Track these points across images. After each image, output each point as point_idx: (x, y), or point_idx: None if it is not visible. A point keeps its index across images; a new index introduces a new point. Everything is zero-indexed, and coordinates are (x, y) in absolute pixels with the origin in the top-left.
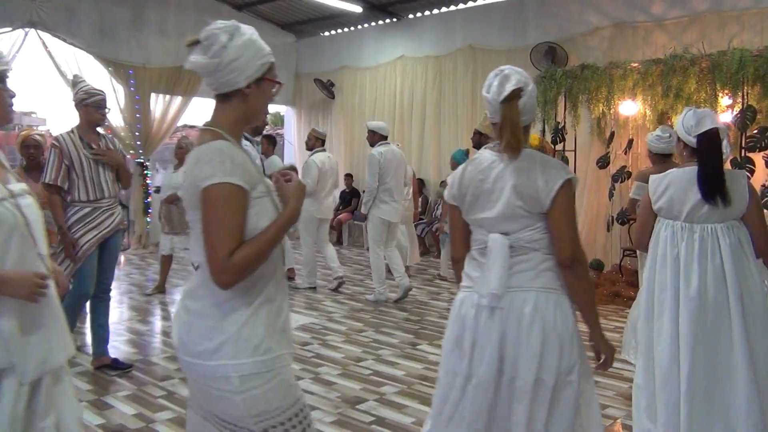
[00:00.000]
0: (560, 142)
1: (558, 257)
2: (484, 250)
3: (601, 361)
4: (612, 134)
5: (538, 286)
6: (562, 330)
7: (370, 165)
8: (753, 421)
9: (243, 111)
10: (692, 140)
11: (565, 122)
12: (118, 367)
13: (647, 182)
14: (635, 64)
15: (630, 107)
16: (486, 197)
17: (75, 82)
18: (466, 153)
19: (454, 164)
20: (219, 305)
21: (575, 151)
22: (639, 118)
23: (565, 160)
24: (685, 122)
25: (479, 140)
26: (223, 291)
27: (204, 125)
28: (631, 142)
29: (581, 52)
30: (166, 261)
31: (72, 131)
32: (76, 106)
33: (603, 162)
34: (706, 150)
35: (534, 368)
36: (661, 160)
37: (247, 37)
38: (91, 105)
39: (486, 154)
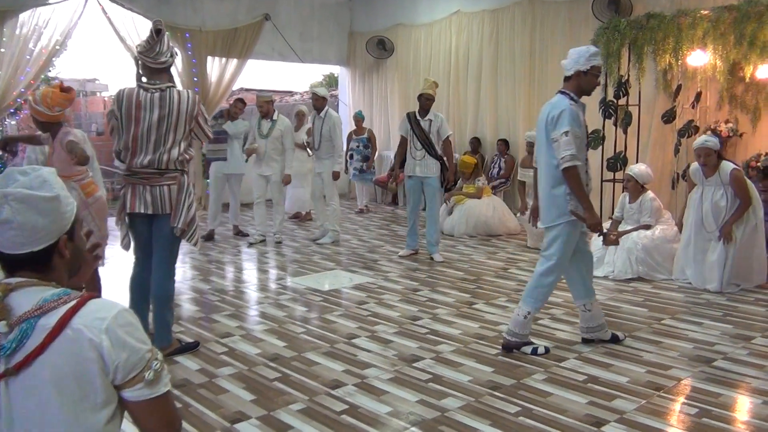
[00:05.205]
0: (623, 96)
1: None
2: None
3: None
4: (679, 87)
5: None
6: None
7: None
8: None
9: None
10: None
11: (628, 75)
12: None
13: None
14: (705, 12)
15: (699, 58)
16: None
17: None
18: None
19: (359, 120)
20: None
21: (639, 105)
22: (709, 69)
23: (629, 116)
24: None
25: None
26: None
27: None
28: (699, 95)
29: (647, 1)
30: None
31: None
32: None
33: (669, 116)
34: None
35: None
36: None
37: None
38: None
39: None
